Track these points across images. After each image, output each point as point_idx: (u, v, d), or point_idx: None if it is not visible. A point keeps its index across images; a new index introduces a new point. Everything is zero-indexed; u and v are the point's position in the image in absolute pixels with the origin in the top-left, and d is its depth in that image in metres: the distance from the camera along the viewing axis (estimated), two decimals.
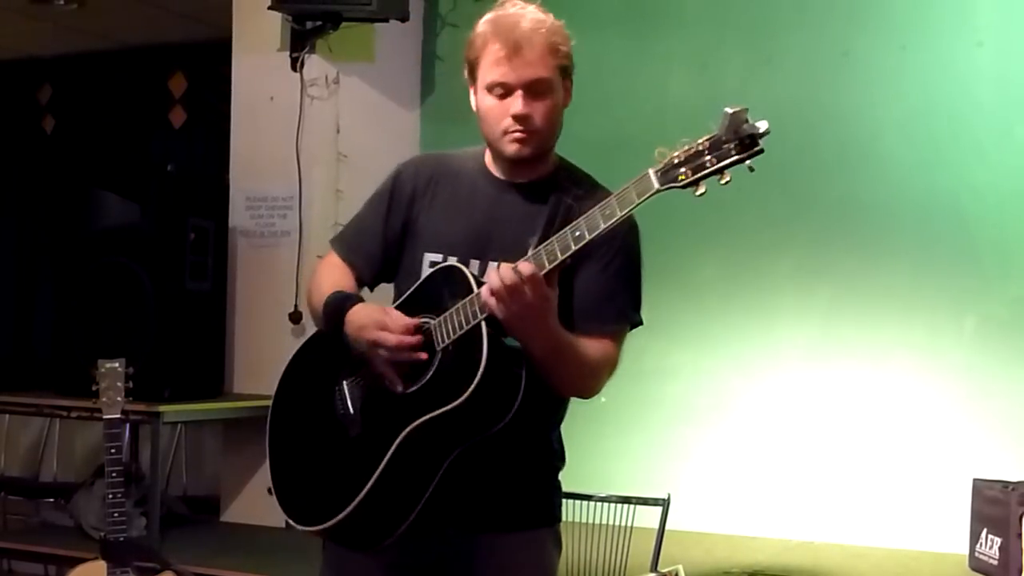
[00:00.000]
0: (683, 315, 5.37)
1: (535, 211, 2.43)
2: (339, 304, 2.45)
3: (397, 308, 2.45)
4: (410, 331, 2.32)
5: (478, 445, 2.30)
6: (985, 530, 4.13)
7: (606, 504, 3.85)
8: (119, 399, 3.77)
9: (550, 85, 2.41)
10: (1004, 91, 4.93)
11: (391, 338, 2.31)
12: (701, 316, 5.29)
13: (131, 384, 3.80)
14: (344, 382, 2.47)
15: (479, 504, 2.42)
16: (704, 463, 5.25)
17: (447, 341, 2.29)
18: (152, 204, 5.37)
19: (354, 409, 2.44)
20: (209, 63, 7.14)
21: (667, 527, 3.86)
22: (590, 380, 2.43)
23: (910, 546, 4.75)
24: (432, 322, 2.33)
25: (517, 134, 2.40)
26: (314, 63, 5.62)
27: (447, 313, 2.30)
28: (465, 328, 2.26)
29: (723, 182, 2.05)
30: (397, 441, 2.28)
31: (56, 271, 6.02)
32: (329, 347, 2.49)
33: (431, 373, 2.30)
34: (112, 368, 3.79)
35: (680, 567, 3.21)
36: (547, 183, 2.48)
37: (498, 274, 2.18)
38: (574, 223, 2.18)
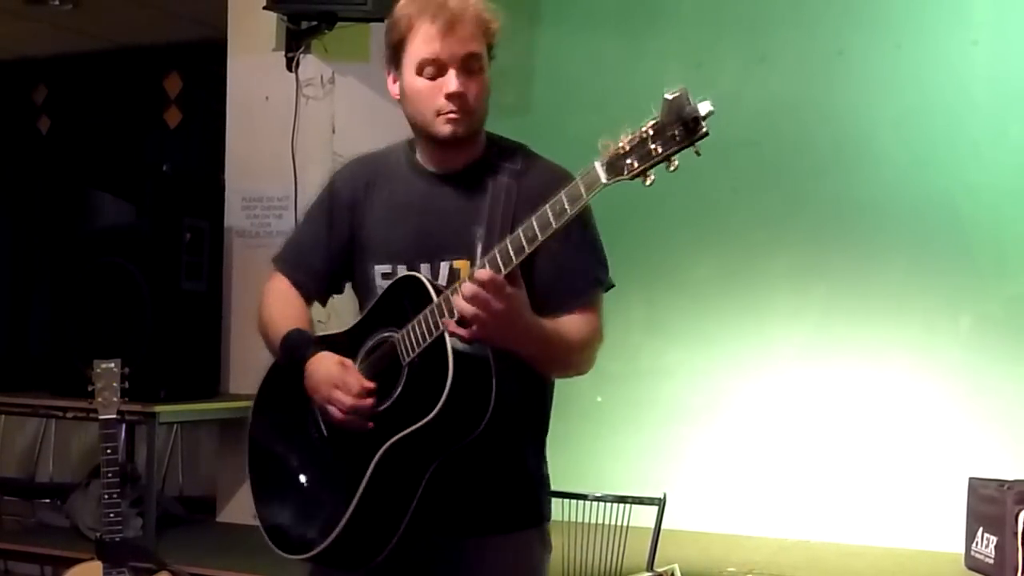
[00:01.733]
0: (678, 315, 5.38)
1: (474, 200, 2.37)
2: (297, 350, 2.41)
3: (359, 324, 2.42)
4: (366, 393, 2.28)
5: (456, 454, 2.27)
6: (981, 529, 4.14)
7: (602, 503, 3.85)
8: (115, 399, 3.77)
9: (482, 62, 2.36)
10: (999, 90, 4.94)
11: (346, 401, 2.28)
12: (696, 316, 5.30)
13: (127, 384, 3.80)
14: (316, 406, 2.43)
15: (462, 508, 2.39)
16: (700, 462, 5.25)
17: (412, 355, 2.25)
18: (148, 204, 5.37)
19: (328, 432, 2.40)
20: (204, 63, 7.13)
21: (663, 526, 3.86)
22: (581, 357, 2.38)
23: (906, 545, 4.76)
24: (395, 335, 2.29)
25: (451, 114, 2.34)
26: (309, 63, 5.62)
27: (409, 325, 2.25)
28: (429, 340, 2.22)
29: (671, 169, 1.98)
30: (374, 462, 2.26)
31: (52, 271, 6.00)
32: (297, 372, 2.44)
33: (400, 389, 2.27)
34: (108, 368, 3.78)
35: (676, 566, 3.19)
36: (480, 166, 2.42)
37: (460, 298, 2.12)
38: (525, 223, 2.10)
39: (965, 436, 4.81)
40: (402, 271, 2.40)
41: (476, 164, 2.44)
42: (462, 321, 2.14)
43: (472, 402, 2.21)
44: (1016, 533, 3.93)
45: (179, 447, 6.62)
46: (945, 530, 4.50)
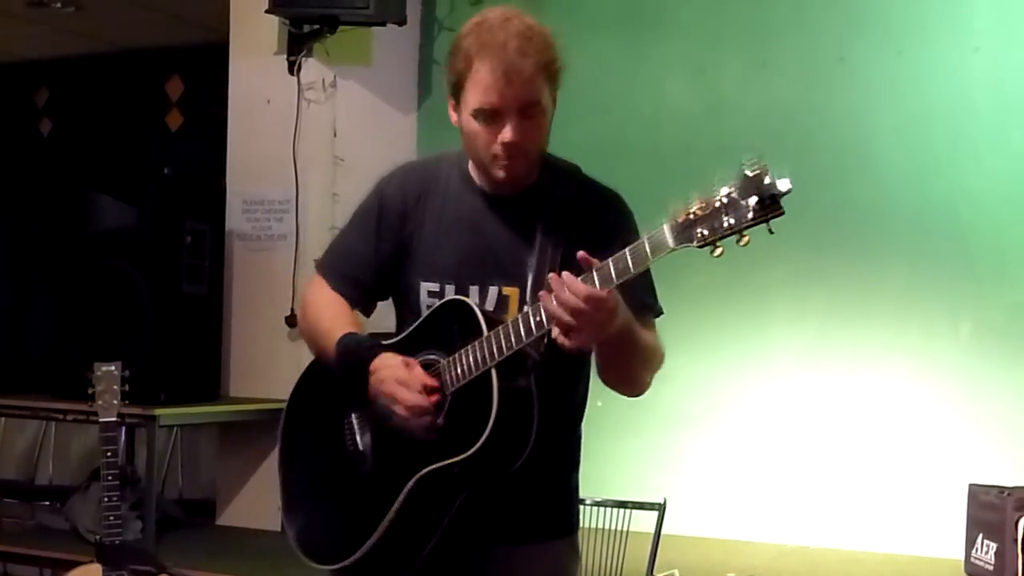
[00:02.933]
0: (678, 320, 5.31)
1: (527, 227, 2.35)
2: (358, 353, 2.35)
3: (405, 339, 2.39)
4: (429, 390, 2.24)
5: (491, 484, 2.26)
6: (981, 535, 4.13)
7: (602, 508, 3.86)
8: (115, 402, 3.77)
9: (541, 105, 2.28)
10: (1000, 96, 4.94)
11: (410, 398, 2.24)
12: (697, 321, 5.28)
13: (127, 387, 3.80)
14: (354, 415, 2.41)
15: (492, 517, 2.37)
16: (700, 467, 5.25)
17: (457, 384, 2.24)
18: (149, 207, 5.37)
19: (364, 446, 2.39)
20: (206, 66, 7.14)
21: (663, 531, 3.86)
22: (655, 363, 2.35)
23: (906, 551, 4.75)
24: (442, 361, 2.27)
25: (506, 162, 2.29)
26: (311, 67, 5.63)
27: (458, 354, 2.23)
28: (475, 373, 2.20)
29: (742, 243, 1.93)
30: (408, 487, 2.25)
31: (52, 274, 6.01)
32: (337, 376, 2.42)
33: (441, 417, 2.25)
34: (108, 371, 3.78)
35: (676, 572, 3.20)
36: (533, 192, 2.39)
37: (558, 308, 2.07)
38: (585, 275, 2.07)
39: (965, 442, 4.81)
40: (450, 291, 2.38)
41: (530, 189, 2.39)
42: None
43: (511, 441, 2.20)
44: (1016, 539, 3.92)
45: (179, 450, 6.63)
46: (945, 536, 4.49)
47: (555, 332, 2.11)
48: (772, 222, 1.92)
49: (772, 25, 5.37)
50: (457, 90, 2.31)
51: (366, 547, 2.31)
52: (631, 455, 5.24)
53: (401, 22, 5.41)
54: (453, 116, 2.37)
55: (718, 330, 5.28)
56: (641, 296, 2.34)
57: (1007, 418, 4.76)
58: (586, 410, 2.54)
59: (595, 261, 2.07)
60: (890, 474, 4.92)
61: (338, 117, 5.69)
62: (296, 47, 5.57)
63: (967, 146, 4.97)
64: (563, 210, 2.35)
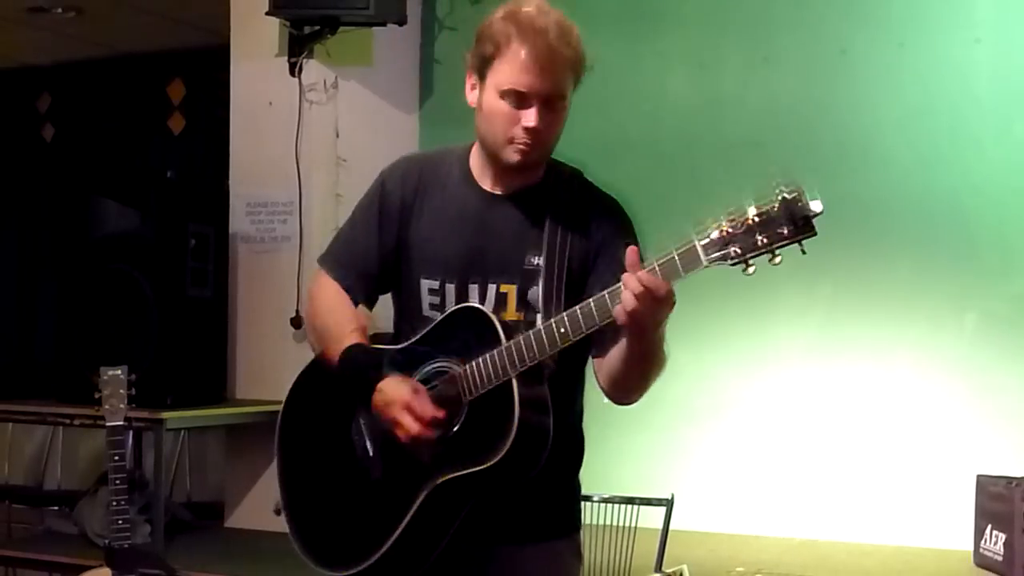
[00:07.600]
0: (683, 315, 5.33)
1: (528, 225, 2.36)
2: (363, 370, 2.35)
3: (416, 344, 2.38)
4: (435, 424, 2.24)
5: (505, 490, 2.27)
6: (989, 526, 4.13)
7: (610, 505, 3.86)
8: (122, 406, 3.78)
9: (565, 101, 2.33)
10: (1002, 87, 4.93)
11: (413, 427, 2.24)
12: (701, 316, 5.27)
13: (134, 391, 3.81)
14: (361, 416, 2.41)
15: (493, 517, 2.37)
16: (707, 462, 5.25)
17: (476, 393, 2.23)
18: (152, 211, 5.37)
19: (374, 450, 2.38)
20: (207, 69, 7.15)
21: (671, 527, 3.86)
22: (655, 379, 2.38)
23: (914, 543, 4.74)
24: (457, 370, 2.27)
25: (523, 146, 2.30)
26: (312, 68, 5.63)
27: (475, 362, 2.23)
28: (495, 382, 2.20)
29: (774, 262, 1.97)
30: (422, 496, 2.26)
31: (57, 279, 6.02)
32: (340, 378, 2.42)
33: (459, 425, 2.25)
34: (114, 375, 3.79)
35: (684, 567, 3.18)
36: (537, 191, 2.40)
37: (630, 294, 2.10)
38: (610, 291, 2.11)
39: (973, 433, 4.80)
40: (450, 288, 2.38)
41: (532, 189, 2.41)
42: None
43: (530, 449, 2.21)
44: None
45: (186, 453, 6.63)
46: (954, 528, 4.49)
47: (617, 310, 2.10)
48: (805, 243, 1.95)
49: (773, 19, 5.36)
50: (485, 67, 2.32)
51: (378, 554, 2.31)
52: (638, 451, 5.23)
53: (401, 22, 5.41)
54: (471, 95, 2.37)
55: (723, 325, 5.27)
56: None
57: (1014, 408, 4.75)
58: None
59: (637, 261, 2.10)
60: (898, 466, 4.91)
61: (340, 118, 5.69)
62: (297, 48, 5.58)
63: (970, 137, 4.96)
64: (567, 212, 2.36)
